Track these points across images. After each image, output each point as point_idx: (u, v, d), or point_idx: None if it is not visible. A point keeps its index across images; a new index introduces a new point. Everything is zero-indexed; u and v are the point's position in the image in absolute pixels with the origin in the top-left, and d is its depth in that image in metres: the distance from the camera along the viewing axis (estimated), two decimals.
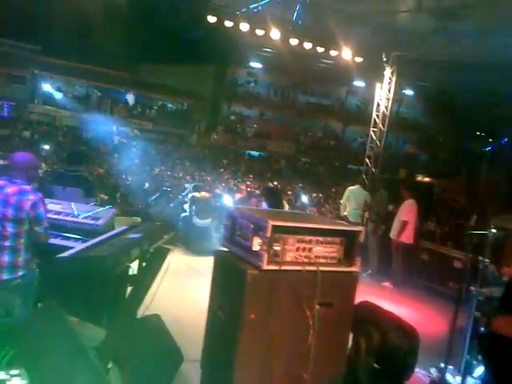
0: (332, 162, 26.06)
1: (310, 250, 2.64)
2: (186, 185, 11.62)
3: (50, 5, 17.78)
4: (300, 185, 17.15)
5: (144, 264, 4.12)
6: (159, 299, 4.15)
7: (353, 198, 9.10)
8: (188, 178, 14.03)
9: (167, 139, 24.45)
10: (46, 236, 3.85)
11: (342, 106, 27.95)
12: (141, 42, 19.21)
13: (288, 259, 2.59)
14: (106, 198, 9.91)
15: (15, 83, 21.48)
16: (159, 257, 4.27)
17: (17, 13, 16.21)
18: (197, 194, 9.48)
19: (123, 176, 12.95)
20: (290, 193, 15.09)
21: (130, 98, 24.85)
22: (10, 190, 3.59)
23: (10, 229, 3.53)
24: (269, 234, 2.46)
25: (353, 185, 9.57)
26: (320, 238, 2.66)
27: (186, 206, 9.53)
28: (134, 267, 4.09)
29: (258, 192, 12.65)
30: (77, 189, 5.19)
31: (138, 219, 8.48)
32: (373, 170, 12.47)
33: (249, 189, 13.59)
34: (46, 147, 15.40)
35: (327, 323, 2.68)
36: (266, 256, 2.48)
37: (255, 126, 27.13)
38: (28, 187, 3.67)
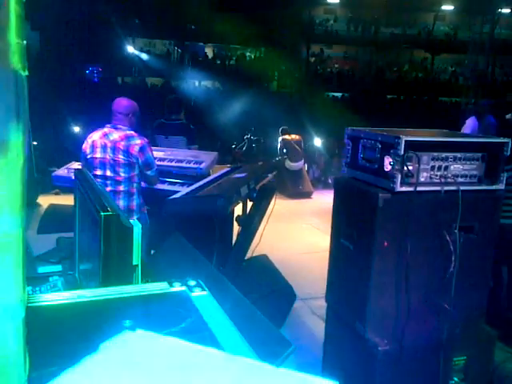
0: (421, 96, 24.48)
1: (446, 168, 2.35)
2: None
3: None
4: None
5: (252, 203, 4.07)
6: (264, 240, 4.09)
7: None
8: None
9: (248, 88, 24.22)
10: (156, 179, 3.89)
11: (429, 34, 25.92)
12: None
13: (422, 180, 2.32)
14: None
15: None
16: (266, 195, 4.18)
17: None
18: (287, 137, 9.33)
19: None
20: None
21: (209, 51, 24.78)
22: (117, 136, 3.60)
23: (122, 174, 3.58)
24: (402, 152, 2.20)
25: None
26: (458, 154, 2.36)
27: (278, 148, 9.42)
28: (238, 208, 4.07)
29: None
30: (179, 137, 5.17)
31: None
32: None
33: None
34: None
35: (469, 249, 2.42)
36: (399, 177, 2.23)
37: (336, 65, 26.06)
38: (133, 132, 3.67)
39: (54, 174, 4.52)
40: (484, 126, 8.19)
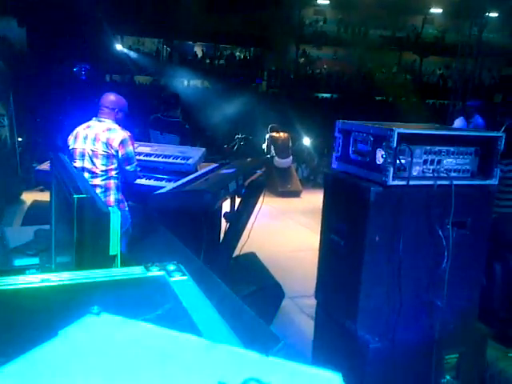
0: (409, 97, 24.57)
1: (439, 162, 2.30)
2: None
3: None
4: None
5: (240, 200, 3.99)
6: (252, 238, 4.03)
7: None
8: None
9: (237, 88, 24.12)
10: (135, 175, 3.80)
11: (417, 36, 26.04)
12: None
13: (415, 173, 2.27)
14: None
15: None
16: (255, 192, 4.10)
17: None
18: (274, 134, 9.28)
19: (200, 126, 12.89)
20: None
21: (198, 50, 24.67)
22: (100, 128, 3.54)
23: (100, 166, 3.50)
24: (395, 144, 2.14)
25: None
26: (451, 148, 2.30)
27: (264, 147, 9.36)
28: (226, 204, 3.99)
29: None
30: (174, 135, 5.12)
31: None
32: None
33: None
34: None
35: (461, 245, 2.37)
36: (391, 170, 2.18)
37: (325, 66, 26.06)
38: (116, 125, 3.60)
39: (36, 168, 4.40)
40: (472, 126, 8.22)
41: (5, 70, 6.92)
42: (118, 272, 0.77)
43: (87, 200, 0.94)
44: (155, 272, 0.78)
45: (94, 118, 3.63)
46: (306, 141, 10.83)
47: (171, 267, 0.79)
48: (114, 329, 0.56)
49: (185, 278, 0.76)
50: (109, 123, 3.57)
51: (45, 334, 0.55)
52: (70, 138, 3.62)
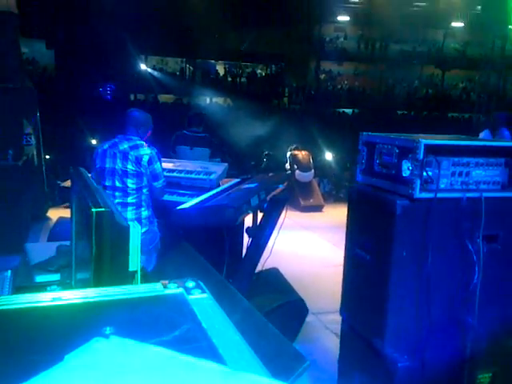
0: (431, 111, 24.31)
1: (468, 174, 2.22)
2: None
3: None
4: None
5: (263, 214, 3.95)
6: (275, 253, 3.97)
7: None
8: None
9: (259, 105, 24.27)
10: (163, 191, 3.80)
11: (439, 50, 25.86)
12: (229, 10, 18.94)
13: (443, 186, 2.20)
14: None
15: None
16: (277, 207, 4.05)
17: None
18: (296, 152, 9.40)
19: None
20: None
21: (220, 68, 24.98)
22: (127, 145, 3.55)
23: (131, 184, 3.50)
24: (421, 156, 2.08)
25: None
26: (480, 160, 2.23)
27: (287, 166, 9.42)
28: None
29: None
30: (204, 149, 5.26)
31: None
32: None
33: None
34: None
35: (493, 259, 2.27)
36: (418, 182, 2.11)
37: (346, 82, 26.04)
38: (143, 142, 3.61)
39: (61, 185, 4.45)
40: (498, 138, 8.04)
41: (33, 91, 7.09)
42: (134, 290, 0.74)
43: (106, 214, 0.92)
44: (173, 289, 0.74)
45: (119, 136, 3.63)
46: (328, 155, 10.79)
47: (190, 284, 0.75)
48: (123, 354, 0.52)
49: (204, 295, 0.72)
50: (135, 140, 3.57)
51: (51, 358, 0.52)
52: (96, 157, 3.60)
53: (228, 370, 0.53)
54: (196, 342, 0.60)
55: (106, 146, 3.59)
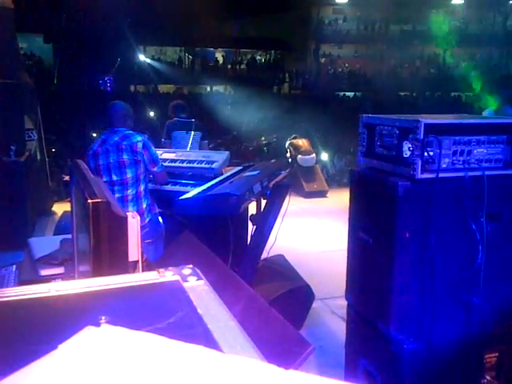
0: (433, 91, 24.09)
1: (469, 152, 2.20)
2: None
3: None
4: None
5: (266, 201, 3.94)
6: (280, 240, 3.97)
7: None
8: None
9: (259, 92, 24.16)
10: (165, 176, 3.80)
11: (439, 29, 25.57)
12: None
13: (444, 166, 2.18)
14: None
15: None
16: (280, 193, 4.05)
17: None
18: (294, 141, 9.38)
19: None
20: None
21: (219, 56, 24.84)
22: (117, 138, 3.54)
23: (129, 175, 3.50)
24: (422, 136, 2.06)
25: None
26: (481, 138, 2.21)
27: (288, 155, 9.41)
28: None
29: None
30: (198, 132, 5.65)
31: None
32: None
33: None
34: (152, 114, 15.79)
35: (497, 238, 2.26)
36: (419, 163, 2.10)
37: (347, 65, 25.84)
38: (131, 131, 3.61)
39: (65, 179, 4.46)
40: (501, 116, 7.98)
41: (32, 85, 7.08)
42: (129, 278, 0.74)
43: (103, 205, 0.92)
44: (169, 277, 0.74)
45: (105, 132, 3.63)
46: (331, 140, 10.76)
47: (186, 271, 0.75)
48: (114, 341, 0.52)
49: (201, 282, 0.72)
50: (123, 131, 3.57)
51: (47, 348, 0.52)
52: (90, 159, 3.56)
53: (222, 354, 0.53)
54: (191, 328, 0.60)
55: (95, 147, 3.58)
